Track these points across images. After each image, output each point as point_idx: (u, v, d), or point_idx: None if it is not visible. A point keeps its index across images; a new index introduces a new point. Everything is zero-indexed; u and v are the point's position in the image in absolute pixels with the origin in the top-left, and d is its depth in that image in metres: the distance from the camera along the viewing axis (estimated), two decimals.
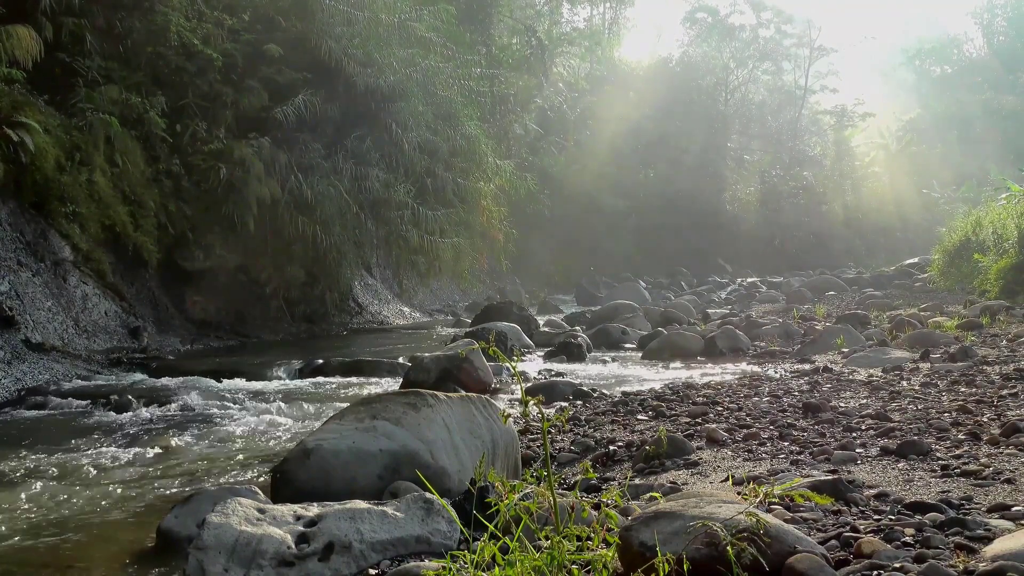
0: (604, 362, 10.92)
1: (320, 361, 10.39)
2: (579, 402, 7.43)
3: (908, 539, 2.84)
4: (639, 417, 6.22)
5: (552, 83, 31.36)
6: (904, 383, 6.85)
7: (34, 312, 10.20)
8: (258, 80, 14.57)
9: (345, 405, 5.39)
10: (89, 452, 6.10)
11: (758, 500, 2.59)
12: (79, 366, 9.98)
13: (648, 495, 3.28)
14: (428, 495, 3.51)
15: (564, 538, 2.29)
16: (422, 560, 3.24)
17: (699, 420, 5.80)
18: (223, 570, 3.01)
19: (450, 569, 2.38)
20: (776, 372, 8.57)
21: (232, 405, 8.00)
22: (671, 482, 4.12)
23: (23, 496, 4.96)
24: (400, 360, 10.54)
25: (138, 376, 9.84)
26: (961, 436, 4.61)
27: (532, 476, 2.53)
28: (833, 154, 45.09)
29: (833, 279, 23.89)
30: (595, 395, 7.76)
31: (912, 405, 5.72)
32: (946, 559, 2.64)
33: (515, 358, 2.71)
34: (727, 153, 40.45)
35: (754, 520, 2.46)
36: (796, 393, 6.72)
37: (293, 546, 3.16)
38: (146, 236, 12.45)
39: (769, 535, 2.50)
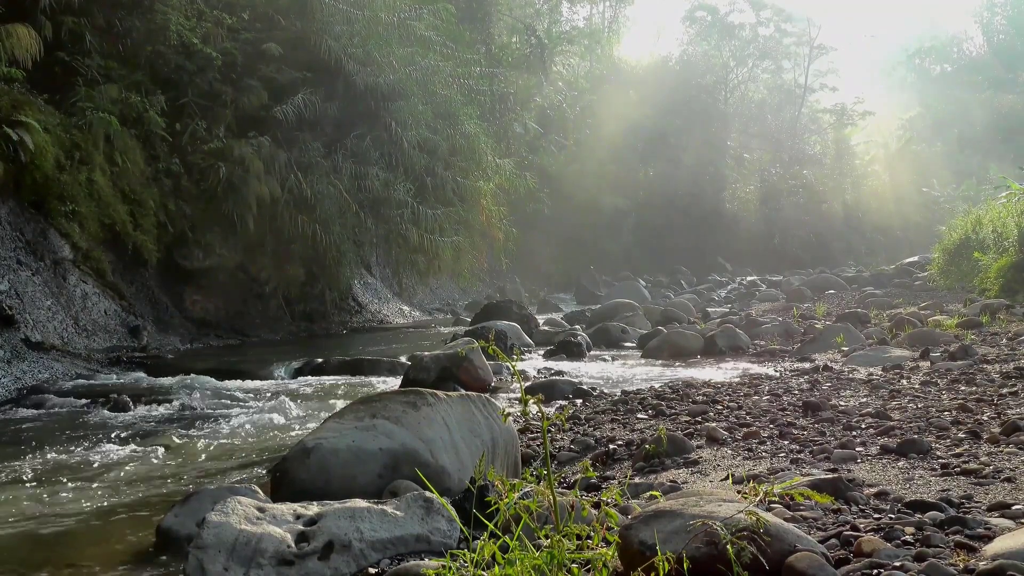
0: (604, 361, 10.91)
1: (320, 360, 10.39)
2: (579, 401, 7.43)
3: (908, 538, 2.84)
4: (639, 416, 6.21)
5: (552, 82, 31.32)
6: (904, 382, 6.85)
7: (34, 311, 10.19)
8: (258, 79, 14.56)
9: (345, 404, 5.39)
10: (89, 451, 6.09)
11: (758, 499, 2.59)
12: (79, 365, 9.98)
13: (648, 494, 3.28)
14: (428, 494, 3.51)
15: (564, 537, 2.28)
16: (422, 559, 3.24)
17: (699, 419, 5.80)
18: (223, 569, 3.01)
19: (450, 568, 2.37)
20: (776, 371, 8.57)
21: (232, 404, 8.00)
22: (671, 481, 4.11)
23: (23, 495, 4.96)
24: (400, 359, 10.54)
25: (138, 375, 9.84)
26: (961, 435, 4.61)
27: (532, 475, 2.53)
28: (833, 153, 45.09)
29: (833, 278, 23.90)
30: (595, 394, 7.76)
31: (912, 404, 5.72)
32: (946, 558, 2.64)
33: (515, 357, 2.71)
34: (727, 152, 40.43)
35: (754, 519, 2.46)
36: (796, 392, 6.72)
37: (293, 545, 3.15)
38: (146, 235, 12.45)
39: (769, 534, 2.50)
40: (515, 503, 2.34)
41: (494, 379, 8.76)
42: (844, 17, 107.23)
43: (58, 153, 11.12)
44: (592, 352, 11.70)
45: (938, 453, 4.22)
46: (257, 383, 9.33)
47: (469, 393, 4.83)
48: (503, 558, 2.24)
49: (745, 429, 5.20)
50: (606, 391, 7.93)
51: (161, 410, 7.78)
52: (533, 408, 2.39)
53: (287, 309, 15.33)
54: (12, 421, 7.46)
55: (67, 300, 10.98)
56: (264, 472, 5.22)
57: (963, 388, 6.25)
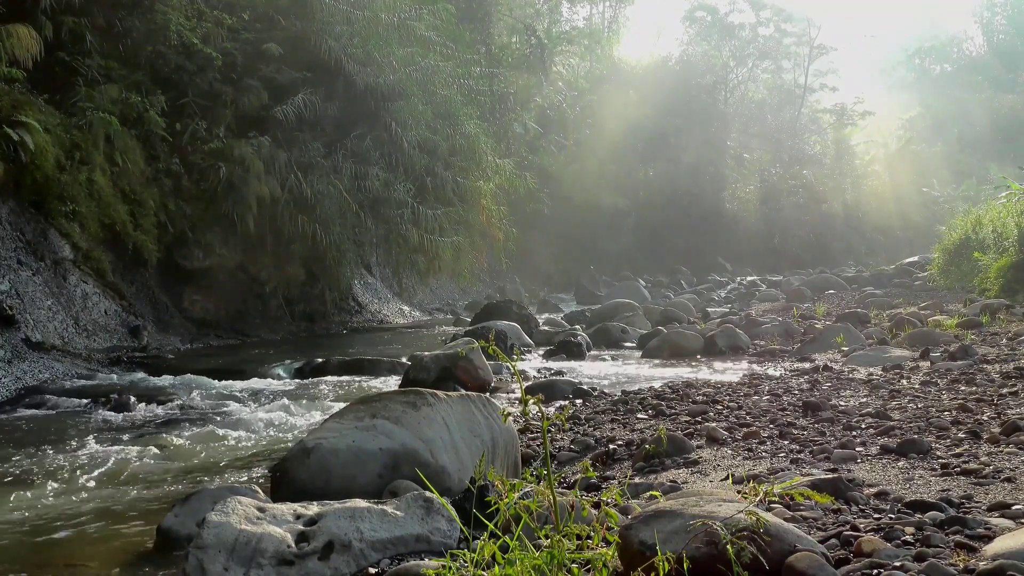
0: (604, 361, 10.92)
1: (320, 360, 10.39)
2: (579, 401, 7.43)
3: (908, 538, 2.84)
4: (639, 416, 6.21)
5: (552, 82, 31.32)
6: (904, 382, 6.85)
7: (34, 311, 10.20)
8: (258, 79, 14.56)
9: (345, 404, 5.39)
10: (89, 451, 6.09)
11: (758, 499, 2.59)
12: (79, 365, 9.98)
13: (648, 494, 3.28)
14: (428, 494, 3.51)
15: (564, 537, 2.28)
16: (422, 559, 3.24)
17: (699, 419, 5.80)
18: (223, 569, 3.01)
19: (450, 568, 2.37)
20: (776, 371, 8.56)
21: (232, 404, 8.01)
22: (671, 481, 4.12)
23: (23, 495, 4.96)
24: (400, 359, 10.55)
25: (138, 375, 9.84)
26: (961, 435, 4.61)
27: (532, 475, 2.53)
28: (833, 153, 45.08)
29: (833, 278, 23.89)
30: (595, 394, 7.75)
31: (912, 404, 5.72)
32: (946, 558, 2.64)
33: (515, 357, 2.71)
34: (727, 152, 40.41)
35: (754, 519, 2.46)
36: (796, 392, 6.72)
37: (293, 545, 3.16)
38: (146, 235, 12.45)
39: (769, 534, 2.50)
40: (515, 503, 2.34)
41: (494, 379, 8.77)
42: (844, 17, 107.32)
43: (58, 153, 11.12)
44: (592, 352, 11.70)
45: (938, 453, 4.22)
46: (257, 383, 9.33)
47: (469, 393, 4.83)
48: (503, 558, 2.25)
49: (745, 429, 5.20)
50: (606, 391, 7.93)
51: (161, 410, 7.78)
52: (533, 408, 2.39)
53: (287, 309, 15.33)
54: (12, 421, 7.46)
55: (67, 300, 10.98)
56: (264, 472, 5.22)
57: (963, 388, 6.25)
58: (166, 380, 9.30)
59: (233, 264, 14.26)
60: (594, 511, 2.51)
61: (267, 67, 14.73)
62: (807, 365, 8.64)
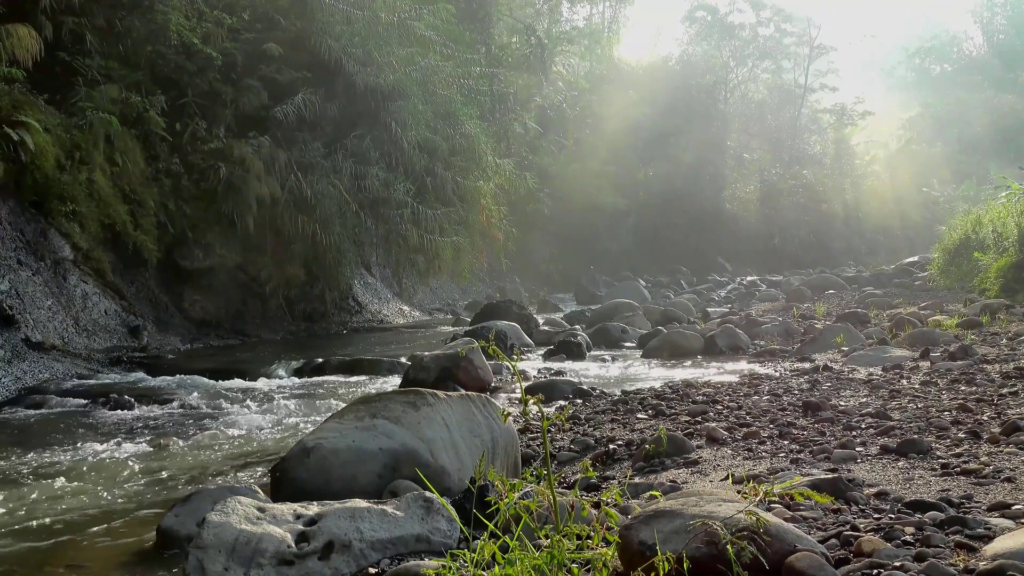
0: (604, 361, 10.91)
1: (320, 360, 10.39)
2: (579, 401, 7.43)
3: (908, 538, 2.84)
4: (639, 416, 6.21)
5: (552, 82, 31.31)
6: (904, 382, 6.85)
7: (34, 311, 10.20)
8: (258, 79, 14.56)
9: (345, 404, 5.39)
10: (89, 451, 6.10)
11: (758, 499, 2.59)
12: (79, 365, 9.98)
13: (648, 494, 3.28)
14: (428, 494, 3.51)
15: (564, 537, 2.29)
16: (422, 559, 3.24)
17: (699, 419, 5.80)
18: (223, 569, 3.01)
19: (450, 568, 2.37)
20: (776, 371, 8.56)
21: (232, 404, 8.01)
22: (671, 481, 4.11)
23: (23, 495, 4.96)
24: (400, 359, 10.54)
25: (138, 375, 9.84)
26: (961, 435, 4.61)
27: (532, 475, 2.53)
28: (833, 153, 45.10)
29: (833, 278, 23.87)
30: (595, 394, 7.75)
31: (912, 404, 5.72)
32: (946, 558, 2.64)
33: (515, 357, 2.70)
34: (727, 152, 40.42)
35: (754, 519, 2.46)
36: (796, 392, 6.72)
37: (293, 545, 3.16)
38: (146, 235, 12.46)
39: (769, 534, 2.50)
40: (515, 503, 2.34)
41: (494, 379, 8.76)
42: (844, 17, 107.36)
43: (58, 153, 11.12)
44: (592, 352, 11.69)
45: (938, 453, 4.22)
46: (257, 383, 9.33)
47: (469, 393, 4.83)
48: (503, 558, 2.25)
49: (745, 429, 5.20)
50: (606, 391, 7.92)
51: (161, 410, 7.78)
52: (533, 408, 2.39)
53: (287, 309, 15.33)
54: (13, 421, 7.47)
55: (67, 300, 10.98)
56: (264, 472, 5.22)
57: (963, 388, 6.25)
58: (166, 380, 9.30)
59: (233, 264, 14.26)
60: (594, 511, 2.51)
61: (267, 67, 14.74)
62: (807, 365, 8.64)
